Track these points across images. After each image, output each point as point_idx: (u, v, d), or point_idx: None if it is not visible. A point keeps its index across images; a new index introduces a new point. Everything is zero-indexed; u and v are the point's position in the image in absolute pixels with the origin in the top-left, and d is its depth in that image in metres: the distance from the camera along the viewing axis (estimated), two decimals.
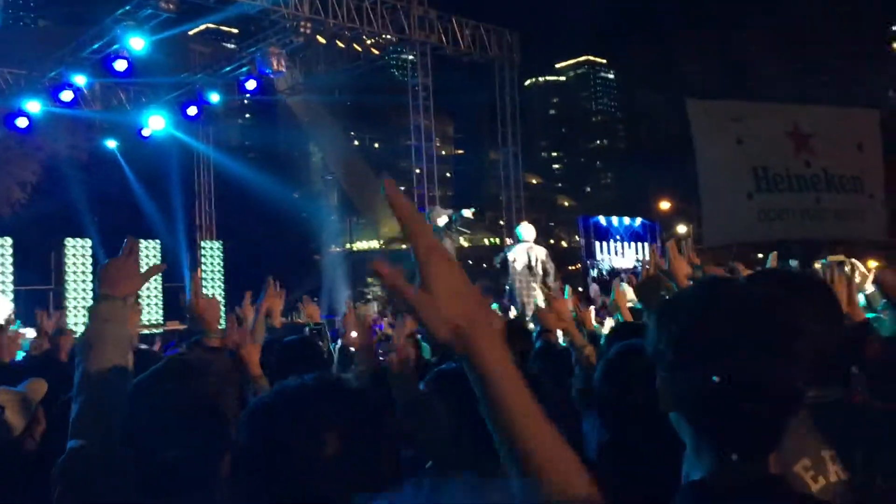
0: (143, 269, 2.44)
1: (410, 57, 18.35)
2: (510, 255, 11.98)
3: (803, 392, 1.24)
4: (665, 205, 40.97)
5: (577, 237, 22.66)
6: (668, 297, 1.44)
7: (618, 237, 19.52)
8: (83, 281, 18.26)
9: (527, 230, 12.09)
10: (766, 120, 17.82)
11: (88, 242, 18.89)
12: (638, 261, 18.65)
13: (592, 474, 1.96)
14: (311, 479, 1.24)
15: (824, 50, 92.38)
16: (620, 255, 19.19)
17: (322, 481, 1.25)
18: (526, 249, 11.70)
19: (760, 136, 17.68)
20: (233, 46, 20.64)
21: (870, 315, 4.41)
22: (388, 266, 1.06)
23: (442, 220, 11.33)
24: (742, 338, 1.16)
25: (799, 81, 77.98)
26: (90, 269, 18.45)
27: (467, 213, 11.77)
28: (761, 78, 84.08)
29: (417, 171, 18.51)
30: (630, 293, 4.21)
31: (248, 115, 64.77)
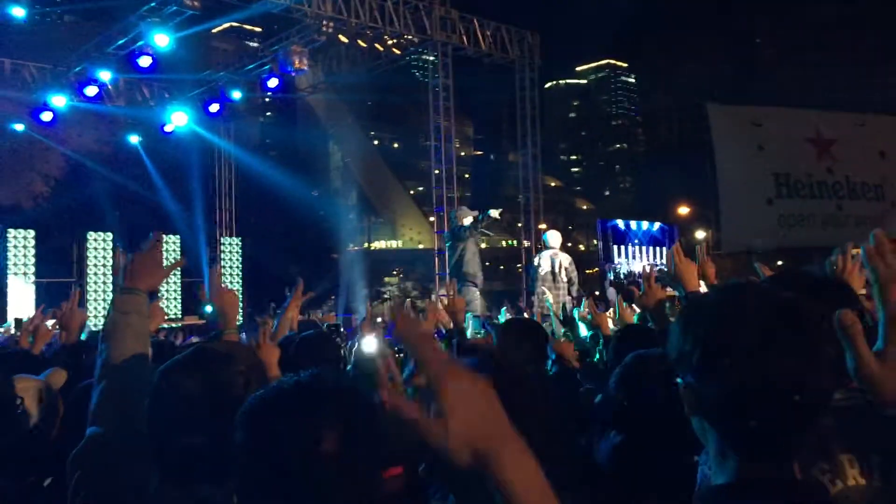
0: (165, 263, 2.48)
1: (431, 58, 18.37)
2: (535, 261, 12.00)
3: (830, 396, 1.23)
4: (684, 209, 40.73)
5: (595, 241, 22.54)
6: (692, 301, 1.44)
7: (636, 241, 19.43)
8: (104, 274, 18.45)
9: (553, 237, 12.07)
10: (787, 125, 17.71)
11: (110, 236, 19.08)
12: (656, 265, 18.56)
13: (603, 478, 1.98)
14: (306, 479, 1.25)
15: (847, 54, 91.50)
16: (638, 259, 19.12)
17: (318, 481, 1.25)
18: (550, 256, 11.69)
19: (782, 142, 17.58)
20: (256, 45, 20.71)
21: None
22: (392, 398, 0.98)
23: (468, 220, 11.30)
24: (769, 341, 1.16)
25: (819, 86, 77.28)
26: (111, 262, 18.64)
27: (494, 213, 11.73)
28: (781, 82, 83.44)
29: (436, 171, 18.51)
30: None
31: (269, 114, 64.96)
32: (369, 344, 4.58)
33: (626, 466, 1.95)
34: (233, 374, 1.73)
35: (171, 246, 19.99)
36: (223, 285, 3.34)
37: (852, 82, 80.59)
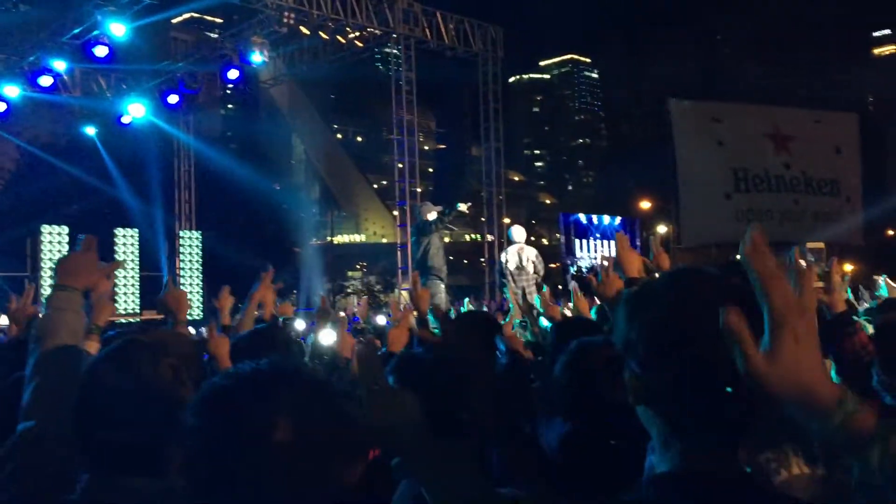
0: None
1: (395, 51, 18.30)
2: (503, 258, 12.04)
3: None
4: (646, 204, 41.16)
5: (557, 234, 22.70)
6: (638, 288, 1.41)
7: (598, 235, 19.57)
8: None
9: (518, 232, 12.13)
10: (746, 121, 17.92)
11: (65, 230, 18.70)
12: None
13: (553, 468, 1.96)
14: (262, 467, 1.22)
15: (806, 53, 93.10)
16: (600, 254, 19.27)
17: (274, 470, 1.22)
18: (517, 251, 11.75)
19: (741, 138, 17.77)
20: (216, 36, 20.51)
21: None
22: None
23: (432, 216, 11.29)
24: (715, 329, 1.14)
25: (779, 84, 78.53)
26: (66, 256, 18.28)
27: (462, 207, 11.73)
28: (742, 80, 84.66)
29: (400, 165, 18.47)
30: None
31: (230, 106, 64.32)
32: (327, 336, 4.53)
33: (576, 456, 1.94)
34: (161, 366, 1.68)
35: (129, 240, 19.65)
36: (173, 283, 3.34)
37: (811, 80, 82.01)
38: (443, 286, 11.97)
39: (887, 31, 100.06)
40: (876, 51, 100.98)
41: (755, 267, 1.03)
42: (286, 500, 1.24)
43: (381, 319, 8.87)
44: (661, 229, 36.79)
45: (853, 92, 77.22)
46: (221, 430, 1.25)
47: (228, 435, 1.24)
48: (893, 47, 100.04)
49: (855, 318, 3.34)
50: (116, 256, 19.42)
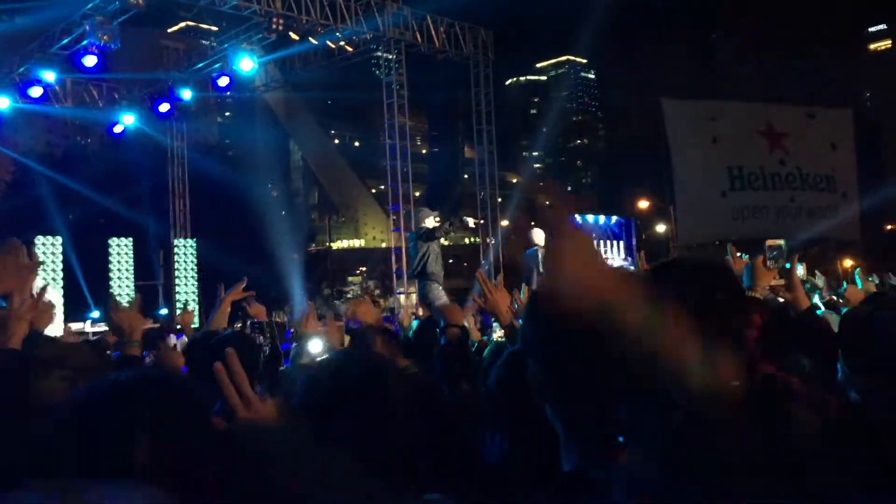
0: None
1: (386, 55, 18.28)
2: (531, 263, 11.92)
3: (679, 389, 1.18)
4: (644, 203, 41.15)
5: None
6: (542, 286, 1.38)
7: (593, 236, 19.50)
8: (53, 279, 18.03)
9: (538, 235, 12.03)
10: (740, 119, 17.90)
11: (59, 240, 18.66)
12: (624, 259, 18.67)
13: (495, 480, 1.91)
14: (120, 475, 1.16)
15: (801, 49, 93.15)
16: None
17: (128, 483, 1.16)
18: (539, 254, 11.68)
19: (735, 135, 17.75)
20: (206, 43, 20.54)
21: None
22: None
23: (429, 222, 11.16)
24: (617, 331, 1.10)
25: (775, 81, 78.57)
26: (60, 266, 18.24)
27: (471, 222, 11.61)
28: (738, 78, 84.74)
29: (393, 168, 18.44)
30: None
31: (227, 113, 64.40)
32: (315, 346, 4.47)
33: (517, 470, 1.88)
34: (54, 380, 1.62)
35: (124, 249, 19.62)
36: (122, 304, 3.29)
37: (806, 76, 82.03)
38: (442, 289, 11.89)
39: (883, 27, 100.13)
40: (871, 46, 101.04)
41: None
42: None
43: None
44: (660, 228, 36.79)
45: (849, 87, 77.29)
46: (73, 444, 1.20)
47: (79, 450, 1.19)
48: (889, 42, 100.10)
49: (819, 312, 3.30)
50: (111, 266, 19.38)
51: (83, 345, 2.93)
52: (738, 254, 3.97)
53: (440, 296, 10.66)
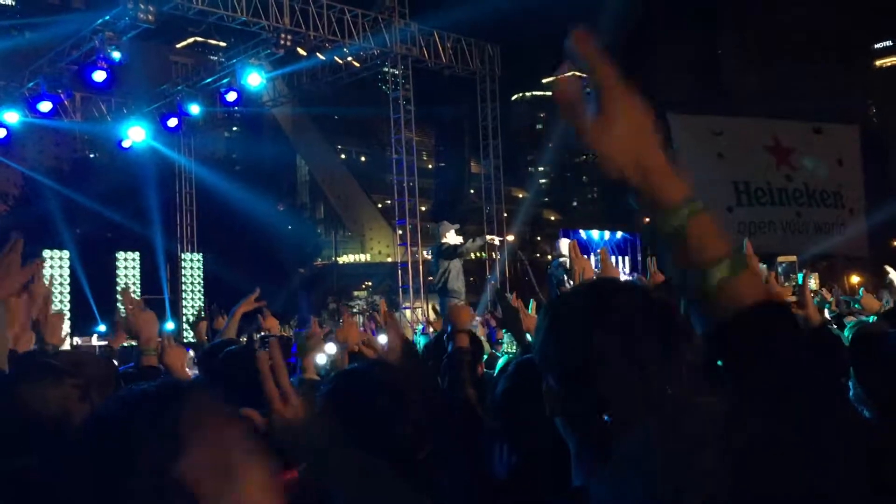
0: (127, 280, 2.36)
1: (393, 70, 18.36)
2: (559, 272, 11.89)
3: (691, 394, 1.18)
4: (648, 219, 41.08)
5: None
6: (558, 300, 1.38)
7: (599, 251, 19.52)
8: (60, 293, 18.08)
9: (564, 245, 12.01)
10: (746, 134, 17.92)
11: (66, 254, 18.72)
12: (629, 275, 18.64)
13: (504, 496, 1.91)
14: (147, 495, 1.15)
15: (807, 65, 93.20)
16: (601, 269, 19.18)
17: (158, 497, 1.15)
18: (564, 265, 11.68)
19: (741, 150, 17.77)
20: (215, 58, 20.68)
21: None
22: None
23: (451, 235, 11.06)
24: (630, 347, 1.11)
25: (781, 96, 78.59)
26: (68, 280, 18.29)
27: (494, 239, 11.60)
28: (743, 93, 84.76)
29: (399, 183, 18.49)
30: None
31: (235, 128, 64.62)
32: (321, 360, 4.47)
33: (527, 488, 1.88)
34: (66, 389, 1.60)
35: (131, 263, 19.68)
36: (140, 304, 3.21)
37: (812, 92, 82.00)
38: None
39: (888, 43, 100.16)
40: (877, 62, 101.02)
41: (582, 54, 1.06)
42: None
43: (381, 339, 8.79)
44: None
45: (855, 103, 77.25)
46: (98, 457, 1.18)
47: (105, 463, 1.17)
48: (895, 59, 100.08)
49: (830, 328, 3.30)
50: (118, 280, 19.43)
51: (96, 355, 2.91)
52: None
53: None
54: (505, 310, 3.70)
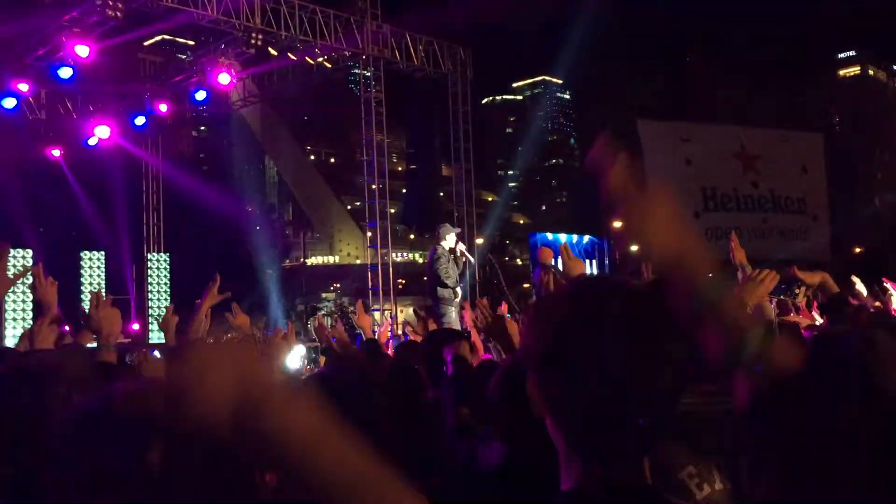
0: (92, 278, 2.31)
1: (364, 72, 18.31)
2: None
3: (675, 399, 1.17)
4: (618, 224, 41.38)
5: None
6: (544, 297, 1.38)
7: (560, 246, 19.62)
8: (23, 292, 17.75)
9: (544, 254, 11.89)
10: (714, 141, 18.12)
11: (30, 253, 18.38)
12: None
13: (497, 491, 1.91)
14: (128, 490, 1.13)
15: (772, 75, 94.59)
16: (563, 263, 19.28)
17: (143, 491, 1.13)
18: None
19: (709, 157, 17.97)
20: (184, 57, 20.46)
21: None
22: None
23: (450, 237, 10.81)
24: (612, 342, 1.10)
25: (747, 104, 79.68)
26: (30, 280, 17.95)
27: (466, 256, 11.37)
28: (711, 101, 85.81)
29: (371, 186, 18.45)
30: None
31: (202, 128, 64.06)
32: (293, 361, 4.44)
33: (517, 480, 1.88)
34: (50, 394, 1.57)
35: (96, 263, 19.40)
36: (104, 300, 3.13)
37: (778, 101, 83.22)
38: (453, 311, 11.65)
39: (852, 53, 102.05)
40: (841, 72, 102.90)
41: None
42: None
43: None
44: (634, 248, 37.07)
45: (819, 112, 78.59)
46: (84, 452, 1.16)
47: (93, 459, 1.15)
48: (858, 68, 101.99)
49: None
50: (83, 280, 19.13)
51: (73, 355, 2.83)
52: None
53: (453, 320, 10.41)
54: (490, 318, 3.69)
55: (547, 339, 1.18)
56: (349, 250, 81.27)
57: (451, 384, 2.87)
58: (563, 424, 1.18)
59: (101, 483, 1.13)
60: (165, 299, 20.19)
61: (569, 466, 1.19)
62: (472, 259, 10.47)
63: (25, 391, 1.56)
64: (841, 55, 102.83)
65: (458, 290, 10.46)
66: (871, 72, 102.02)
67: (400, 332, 11.05)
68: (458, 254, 10.51)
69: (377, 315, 17.65)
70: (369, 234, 18.99)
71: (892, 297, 5.36)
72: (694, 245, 1.17)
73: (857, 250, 41.90)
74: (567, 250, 3.00)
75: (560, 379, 1.15)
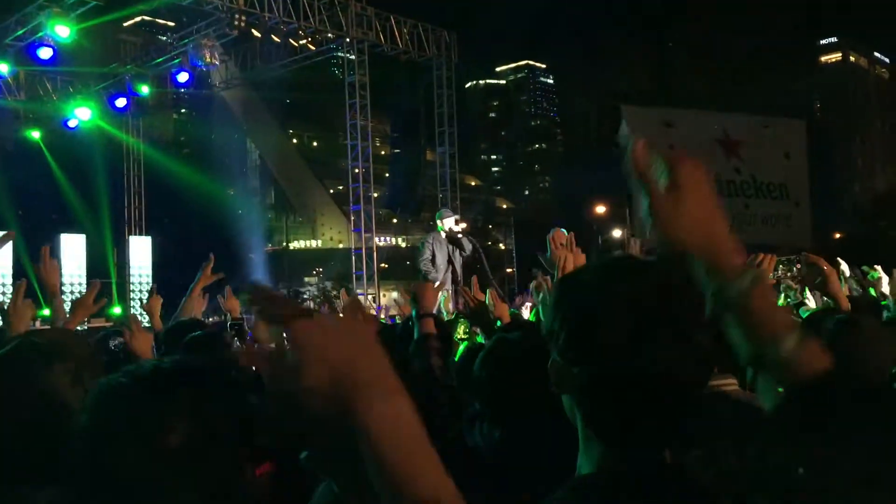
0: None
1: (348, 55, 18.18)
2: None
3: (701, 385, 1.17)
4: (601, 208, 41.53)
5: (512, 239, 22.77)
6: (569, 274, 1.36)
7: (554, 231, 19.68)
8: (2, 275, 17.60)
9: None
10: (697, 126, 18.19)
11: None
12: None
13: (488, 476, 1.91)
14: (150, 470, 1.14)
15: (754, 61, 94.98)
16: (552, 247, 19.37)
17: (163, 474, 1.14)
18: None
19: (692, 142, 18.00)
20: (166, 38, 20.27)
21: None
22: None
23: (448, 222, 10.77)
24: (638, 326, 1.09)
25: (729, 90, 79.98)
26: (10, 263, 17.80)
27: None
28: (693, 86, 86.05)
29: (354, 170, 18.38)
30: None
31: (183, 110, 63.50)
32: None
33: (510, 461, 1.88)
34: (57, 371, 1.56)
35: (77, 246, 19.22)
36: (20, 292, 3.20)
37: (760, 87, 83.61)
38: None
39: (833, 39, 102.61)
40: (822, 58, 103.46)
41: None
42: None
43: None
44: (616, 233, 37.23)
45: (801, 99, 79.06)
46: (111, 429, 1.17)
47: (117, 435, 1.16)
48: (839, 55, 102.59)
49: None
50: (62, 263, 18.96)
51: (76, 333, 2.84)
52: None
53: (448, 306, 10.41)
54: (473, 303, 3.67)
55: (573, 319, 1.16)
56: (332, 234, 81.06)
57: (417, 353, 2.87)
58: (585, 406, 1.17)
59: (115, 458, 1.14)
60: (147, 282, 20.07)
61: (588, 449, 1.18)
62: (468, 243, 10.49)
63: (38, 368, 1.56)
64: (822, 42, 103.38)
65: (445, 274, 10.45)
66: (852, 58, 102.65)
67: (384, 316, 11.06)
68: (460, 236, 10.52)
69: (362, 300, 17.64)
70: (353, 218, 18.93)
71: (883, 281, 5.40)
72: (726, 233, 1.14)
73: (837, 236, 42.35)
74: (556, 240, 2.97)
75: (585, 361, 1.14)
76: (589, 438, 1.18)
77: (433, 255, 10.26)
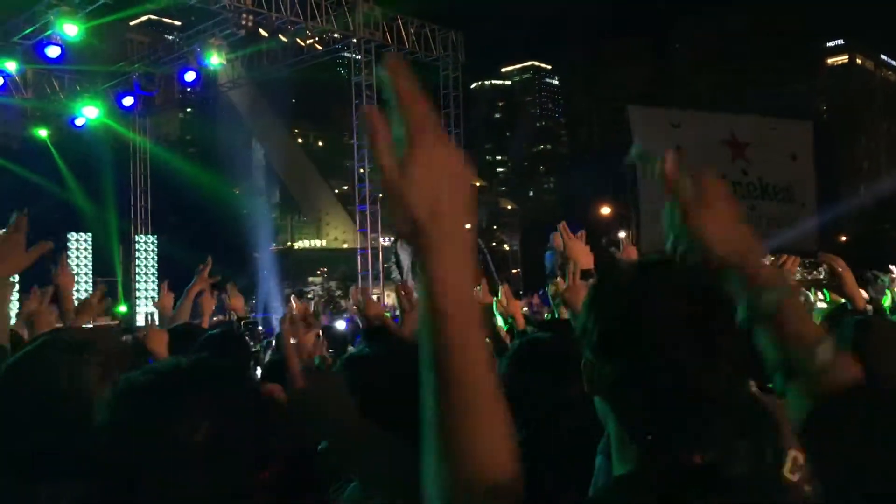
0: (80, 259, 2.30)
1: (355, 55, 18.19)
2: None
3: (733, 387, 1.16)
4: (605, 210, 41.49)
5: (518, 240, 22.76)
6: (606, 274, 1.36)
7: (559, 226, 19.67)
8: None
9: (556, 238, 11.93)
10: (704, 128, 18.17)
11: None
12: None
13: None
14: (171, 466, 1.15)
15: (761, 63, 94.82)
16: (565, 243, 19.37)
17: (181, 471, 1.15)
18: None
19: (698, 143, 18.00)
20: (173, 38, 20.29)
21: None
22: (381, 120, 0.93)
23: None
24: (671, 328, 1.10)
25: (735, 93, 79.83)
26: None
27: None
28: (699, 88, 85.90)
29: (360, 170, 18.40)
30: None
31: (189, 109, 63.57)
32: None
33: (534, 466, 1.88)
34: (84, 367, 1.57)
35: (83, 244, 19.27)
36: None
37: (766, 89, 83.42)
38: None
39: (840, 42, 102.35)
40: (829, 61, 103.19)
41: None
42: (193, 500, 1.19)
43: (339, 325, 8.76)
44: (621, 234, 37.20)
45: (807, 101, 78.86)
46: (133, 425, 1.19)
47: (139, 431, 1.18)
48: (846, 57, 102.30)
49: None
50: (69, 261, 19.02)
51: (105, 329, 2.86)
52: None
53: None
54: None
55: (609, 321, 1.17)
56: (337, 234, 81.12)
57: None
58: (619, 408, 1.17)
59: (137, 454, 1.15)
60: (153, 281, 20.11)
61: (623, 450, 1.17)
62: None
63: (65, 364, 1.57)
64: (829, 44, 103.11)
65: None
66: (858, 61, 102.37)
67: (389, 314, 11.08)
68: None
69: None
70: (358, 218, 18.94)
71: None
72: (756, 244, 1.14)
73: (843, 238, 42.22)
74: (566, 230, 2.99)
75: (621, 363, 1.14)
76: (623, 440, 1.17)
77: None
